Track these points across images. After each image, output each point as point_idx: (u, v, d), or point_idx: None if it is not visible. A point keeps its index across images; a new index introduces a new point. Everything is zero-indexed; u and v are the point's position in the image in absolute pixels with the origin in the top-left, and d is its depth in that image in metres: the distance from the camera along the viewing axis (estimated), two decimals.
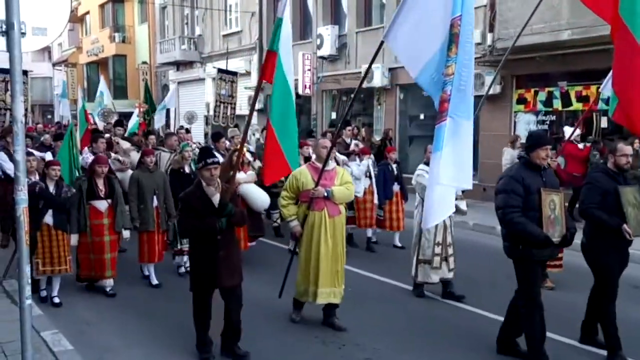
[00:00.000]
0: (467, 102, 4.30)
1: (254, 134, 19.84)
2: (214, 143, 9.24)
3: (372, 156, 9.55)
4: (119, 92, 30.54)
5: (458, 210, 6.04)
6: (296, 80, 18.37)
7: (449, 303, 6.57)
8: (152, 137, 10.19)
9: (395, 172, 9.11)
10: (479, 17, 13.45)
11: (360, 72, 16.14)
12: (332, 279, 5.58)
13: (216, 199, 4.74)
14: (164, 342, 5.39)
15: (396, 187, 9.07)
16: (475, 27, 13.62)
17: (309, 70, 18.39)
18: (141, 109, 16.42)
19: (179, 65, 26.53)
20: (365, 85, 16.03)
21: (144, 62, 29.03)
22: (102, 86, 19.92)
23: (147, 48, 29.61)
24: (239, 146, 5.78)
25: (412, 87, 15.74)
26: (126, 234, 6.83)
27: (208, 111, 22.77)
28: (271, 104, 5.27)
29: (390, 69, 15.84)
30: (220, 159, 8.25)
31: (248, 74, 21.64)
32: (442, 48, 4.24)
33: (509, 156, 11.23)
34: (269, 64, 5.00)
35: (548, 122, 12.74)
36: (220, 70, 13.92)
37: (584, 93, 11.78)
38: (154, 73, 28.82)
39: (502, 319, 5.25)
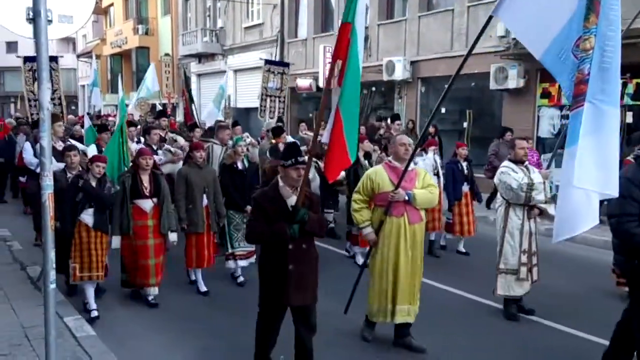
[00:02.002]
0: (612, 83, 3.51)
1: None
2: (274, 138, 8.74)
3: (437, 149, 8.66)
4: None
5: (546, 215, 5.74)
6: (317, 72, 18.42)
7: (532, 320, 5.82)
8: (198, 129, 9.64)
9: (466, 171, 8.31)
10: None
11: (381, 65, 16.07)
12: (410, 295, 4.94)
13: (291, 201, 4.09)
14: (204, 351, 5.06)
15: (465, 187, 8.30)
16: (499, 21, 13.51)
17: (330, 62, 18.31)
18: (170, 100, 15.96)
19: (200, 57, 26.68)
20: (385, 78, 16.01)
21: (167, 54, 29.22)
22: (152, 74, 17.72)
23: (169, 40, 29.82)
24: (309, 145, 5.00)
25: (434, 80, 15.64)
26: (173, 236, 6.14)
27: (229, 104, 22.85)
28: (343, 86, 4.32)
29: (412, 62, 15.72)
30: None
31: None
32: (572, 19, 3.58)
33: None
34: (344, 39, 4.21)
35: None
36: (267, 62, 13.25)
37: None
38: (176, 65, 29.01)
39: (599, 340, 4.91)
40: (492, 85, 13.14)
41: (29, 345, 4.80)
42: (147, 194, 5.94)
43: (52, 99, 9.31)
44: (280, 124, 11.47)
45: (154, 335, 5.40)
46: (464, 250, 8.49)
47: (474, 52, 4.38)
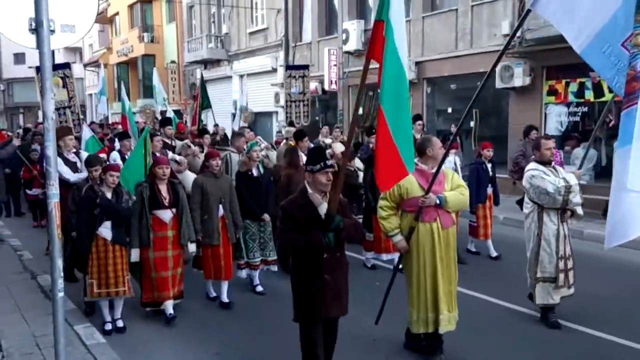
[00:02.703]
0: None
1: (279, 131, 19.93)
2: (296, 142, 8.49)
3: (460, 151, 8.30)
4: (148, 91, 30.94)
5: (576, 216, 5.53)
6: (322, 75, 18.43)
7: (570, 327, 5.55)
8: (207, 136, 9.50)
9: (490, 173, 8.11)
10: (507, 8, 13.24)
11: None
12: (449, 302, 4.72)
13: (323, 208, 3.90)
14: (216, 356, 5.05)
15: (489, 190, 8.12)
16: (504, 18, 13.53)
17: (335, 65, 18.34)
18: (187, 106, 15.82)
19: (206, 63, 26.78)
20: None
21: (172, 62, 29.39)
22: (156, 80, 18.18)
23: (175, 47, 29.97)
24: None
25: (439, 80, 15.61)
26: (192, 247, 5.96)
27: (235, 109, 22.93)
28: (382, 86, 4.05)
29: (417, 63, 15.69)
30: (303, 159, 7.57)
31: (274, 70, 21.75)
32: (619, 13, 3.45)
33: None
34: (378, 37, 3.99)
35: (580, 114, 12.45)
36: (289, 67, 13.03)
37: None
38: (182, 72, 29.14)
39: None
40: (498, 84, 13.08)
41: (40, 354, 4.83)
42: (166, 204, 5.76)
43: (70, 107, 9.30)
44: (292, 128, 11.17)
45: (165, 342, 5.41)
46: (495, 254, 8.26)
47: (478, 51, 4.36)
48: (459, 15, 14.59)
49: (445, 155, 4.74)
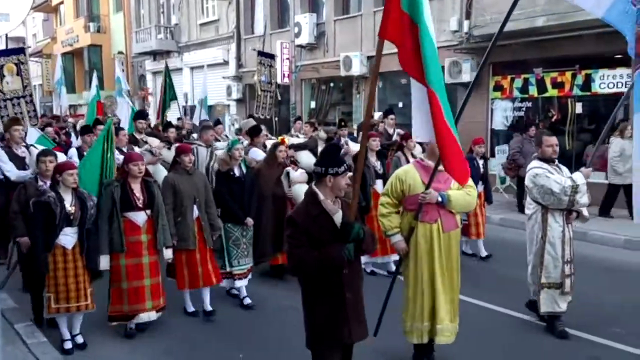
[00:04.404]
0: None
1: (233, 124, 19.75)
2: (251, 138, 7.89)
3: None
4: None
5: (582, 217, 5.19)
6: (276, 70, 18.34)
7: (574, 334, 5.18)
8: (173, 130, 8.93)
9: (482, 170, 7.73)
10: (455, 4, 13.50)
11: (338, 61, 16.12)
12: (450, 311, 4.34)
13: (338, 217, 3.36)
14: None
15: (480, 187, 7.56)
16: (452, 15, 13.78)
17: (288, 59, 18.29)
18: (148, 97, 14.78)
19: (155, 54, 26.20)
20: (343, 74, 16.07)
21: (120, 52, 28.64)
22: (119, 71, 16.74)
23: (122, 38, 29.20)
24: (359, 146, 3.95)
25: (391, 75, 15.76)
26: (168, 253, 5.37)
27: (186, 101, 22.55)
28: (428, 70, 3.61)
29: (369, 57, 15.82)
30: (262, 157, 7.10)
31: (226, 63, 21.49)
32: None
33: (617, 148, 9.54)
34: (393, 14, 3.60)
35: (524, 109, 12.86)
36: (260, 53, 12.30)
37: (559, 79, 11.90)
38: (130, 63, 28.44)
39: None
40: (447, 79, 13.34)
41: None
42: (140, 206, 5.15)
43: (24, 96, 8.57)
44: (250, 119, 10.42)
45: (118, 344, 5.13)
46: (485, 254, 7.88)
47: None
48: None
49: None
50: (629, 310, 5.76)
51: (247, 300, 6.09)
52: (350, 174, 3.53)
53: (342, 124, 10.01)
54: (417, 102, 3.80)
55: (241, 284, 6.11)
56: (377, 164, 7.06)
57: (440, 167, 4.06)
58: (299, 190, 6.49)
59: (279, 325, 5.47)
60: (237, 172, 6.13)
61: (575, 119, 11.82)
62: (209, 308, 5.76)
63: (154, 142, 8.16)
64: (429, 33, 3.54)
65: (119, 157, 6.00)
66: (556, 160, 5.20)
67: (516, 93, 12.81)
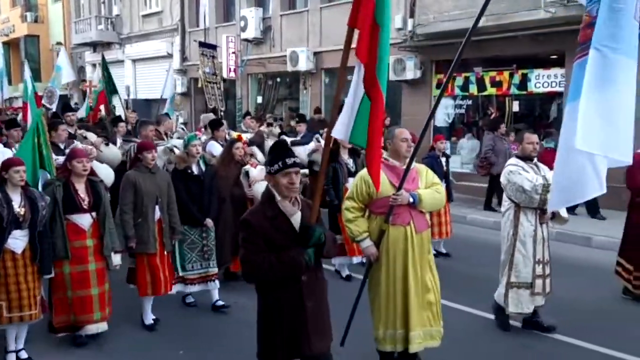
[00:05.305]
0: (625, 28, 2.91)
1: (177, 118, 19.40)
2: (212, 131, 7.58)
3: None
4: (32, 74, 28.83)
5: (559, 219, 5.10)
6: (220, 63, 18.15)
7: (550, 337, 5.08)
8: (122, 124, 8.60)
9: (445, 167, 7.58)
10: (400, 2, 13.77)
11: (285, 56, 16.13)
12: (426, 315, 4.14)
13: (297, 219, 3.15)
14: None
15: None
16: (396, 13, 14.01)
17: (234, 53, 18.14)
18: (91, 89, 14.19)
19: (95, 46, 25.41)
20: (290, 69, 16.10)
21: (59, 43, 27.54)
22: (62, 60, 15.78)
23: (61, 28, 28.18)
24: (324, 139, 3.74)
25: (337, 71, 15.90)
26: (116, 259, 4.98)
27: (128, 95, 22.01)
28: (379, 58, 3.65)
29: (315, 53, 15.92)
30: (219, 152, 6.80)
31: (170, 56, 21.10)
32: None
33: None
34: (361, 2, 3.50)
35: (465, 106, 13.29)
36: (201, 44, 12.12)
37: (497, 78, 12.35)
38: (70, 54, 27.42)
39: (627, 356, 4.55)
40: (392, 77, 13.59)
41: None
42: (85, 207, 4.78)
43: None
44: (210, 114, 10.22)
45: (68, 356, 4.75)
46: (444, 251, 7.75)
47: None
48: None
49: (415, 153, 4.06)
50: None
51: (190, 299, 5.91)
52: (302, 171, 3.45)
53: (299, 119, 10.01)
54: (349, 103, 3.75)
55: (195, 289, 5.73)
56: (350, 162, 6.80)
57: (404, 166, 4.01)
58: (261, 189, 6.20)
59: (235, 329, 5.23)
60: (195, 170, 5.74)
61: (512, 117, 12.32)
62: (150, 320, 5.41)
63: (92, 137, 7.81)
64: (388, 35, 3.52)
65: (58, 158, 5.67)
66: (535, 159, 5.17)
67: (457, 91, 13.21)
